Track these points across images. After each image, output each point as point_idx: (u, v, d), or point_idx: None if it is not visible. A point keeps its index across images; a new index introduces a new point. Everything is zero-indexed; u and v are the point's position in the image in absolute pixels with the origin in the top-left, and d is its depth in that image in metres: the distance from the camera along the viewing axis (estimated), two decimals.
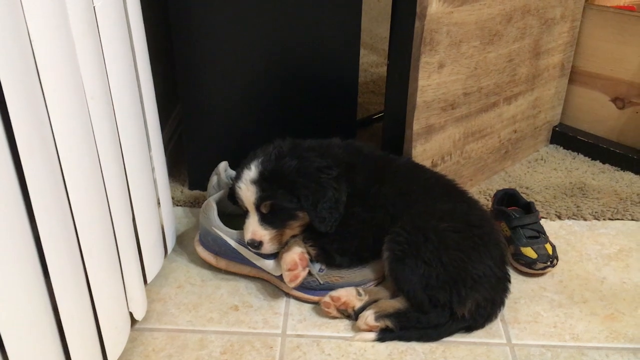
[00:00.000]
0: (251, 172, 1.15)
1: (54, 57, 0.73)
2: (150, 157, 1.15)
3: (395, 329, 1.10)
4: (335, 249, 1.19)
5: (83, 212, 0.83)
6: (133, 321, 1.11)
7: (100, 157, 0.88)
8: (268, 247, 1.16)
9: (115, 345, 0.98)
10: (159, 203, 1.24)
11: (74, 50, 0.77)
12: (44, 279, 0.76)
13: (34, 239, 0.73)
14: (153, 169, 1.17)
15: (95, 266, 0.89)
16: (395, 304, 1.13)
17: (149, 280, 1.18)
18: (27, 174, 0.70)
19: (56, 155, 0.76)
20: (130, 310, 1.07)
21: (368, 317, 1.11)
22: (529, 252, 1.27)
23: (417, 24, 1.25)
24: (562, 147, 1.78)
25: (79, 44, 0.78)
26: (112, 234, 0.95)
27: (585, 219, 1.47)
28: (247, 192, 1.15)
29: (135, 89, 1.03)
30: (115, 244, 0.97)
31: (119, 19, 0.94)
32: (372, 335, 1.11)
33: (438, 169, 1.43)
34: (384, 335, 1.11)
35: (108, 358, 0.96)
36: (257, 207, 1.15)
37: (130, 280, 1.04)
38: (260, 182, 1.14)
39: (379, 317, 1.11)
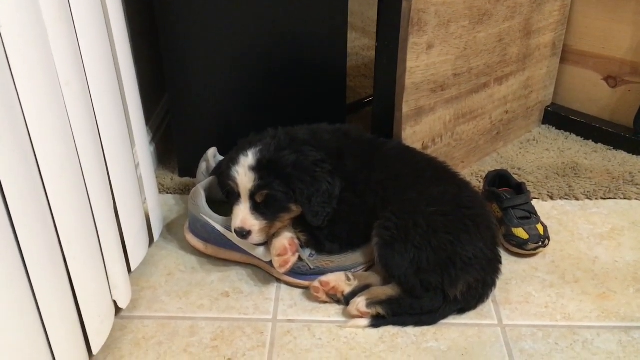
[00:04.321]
0: (249, 159, 1.13)
1: (25, 41, 0.71)
2: (133, 145, 1.14)
3: (387, 316, 1.10)
4: (325, 235, 1.19)
5: (60, 200, 0.82)
6: (118, 309, 1.10)
7: (77, 144, 0.87)
8: (256, 238, 1.15)
9: (98, 333, 0.97)
10: (143, 190, 1.23)
11: (45, 34, 0.75)
12: (23, 268, 0.75)
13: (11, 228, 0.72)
14: (137, 162, 1.16)
15: (75, 254, 0.88)
16: (388, 290, 1.12)
17: (133, 268, 1.17)
18: None
19: (29, 141, 0.75)
20: (114, 298, 1.06)
21: (359, 303, 1.11)
22: (521, 232, 1.27)
23: (404, 4, 1.23)
24: (554, 128, 1.77)
25: (51, 28, 0.76)
26: (92, 222, 0.94)
27: (577, 199, 1.46)
28: (245, 178, 1.13)
29: (114, 75, 1.01)
30: (95, 233, 0.96)
31: (94, 3, 0.92)
32: (365, 321, 1.10)
33: (429, 152, 1.42)
34: (377, 321, 1.11)
35: (91, 347, 0.96)
36: (252, 195, 1.14)
37: (113, 269, 1.03)
38: (259, 169, 1.12)
39: (370, 304, 1.10)
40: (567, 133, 1.74)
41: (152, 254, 1.28)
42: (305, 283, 1.19)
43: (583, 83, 1.73)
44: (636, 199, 1.46)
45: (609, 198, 1.46)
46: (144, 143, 1.22)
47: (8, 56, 0.70)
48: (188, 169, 1.52)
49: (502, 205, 1.32)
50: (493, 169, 1.48)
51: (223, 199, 1.24)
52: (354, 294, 1.13)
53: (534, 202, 1.37)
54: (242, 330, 1.10)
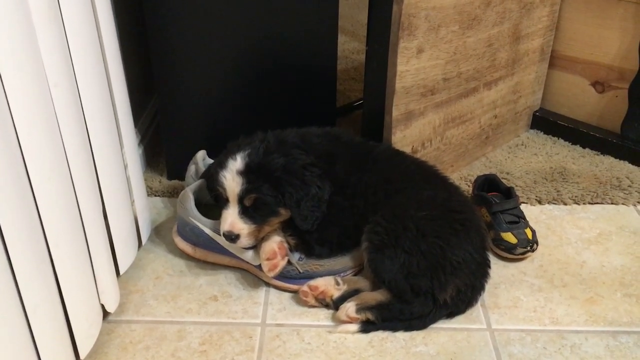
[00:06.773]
0: (237, 163, 1.13)
1: (13, 41, 0.70)
2: (122, 147, 1.13)
3: (377, 321, 1.10)
4: (314, 239, 1.18)
5: (48, 202, 0.81)
6: (106, 313, 1.09)
7: (65, 146, 0.86)
8: (244, 242, 1.14)
9: (86, 338, 0.96)
10: (132, 193, 1.21)
11: (34, 34, 0.74)
12: (9, 270, 0.74)
13: None
14: (125, 164, 1.14)
15: (63, 258, 0.87)
16: (377, 296, 1.12)
17: (121, 271, 1.16)
18: None
19: (17, 143, 0.73)
20: (102, 302, 1.05)
21: (349, 308, 1.10)
22: (509, 237, 1.27)
23: (394, 8, 1.24)
24: (542, 132, 1.78)
25: (40, 29, 0.75)
26: (81, 226, 0.93)
27: (565, 204, 1.47)
28: (232, 183, 1.12)
29: (103, 76, 1.00)
30: (84, 236, 0.95)
31: (84, 4, 0.91)
32: (354, 327, 1.10)
33: (418, 155, 1.42)
34: (367, 326, 1.10)
35: (79, 351, 0.95)
36: (240, 200, 1.13)
37: (101, 272, 1.02)
38: (247, 174, 1.12)
39: (360, 309, 1.10)
40: (555, 138, 1.75)
41: (140, 257, 1.27)
42: (294, 287, 1.18)
43: (571, 88, 1.74)
44: (623, 203, 1.47)
45: (597, 203, 1.47)
46: (132, 145, 1.20)
47: None
48: (177, 172, 1.51)
49: (491, 210, 1.32)
50: (482, 174, 1.48)
51: (212, 202, 1.23)
52: (343, 298, 1.13)
53: (522, 207, 1.38)
54: (231, 334, 1.10)
